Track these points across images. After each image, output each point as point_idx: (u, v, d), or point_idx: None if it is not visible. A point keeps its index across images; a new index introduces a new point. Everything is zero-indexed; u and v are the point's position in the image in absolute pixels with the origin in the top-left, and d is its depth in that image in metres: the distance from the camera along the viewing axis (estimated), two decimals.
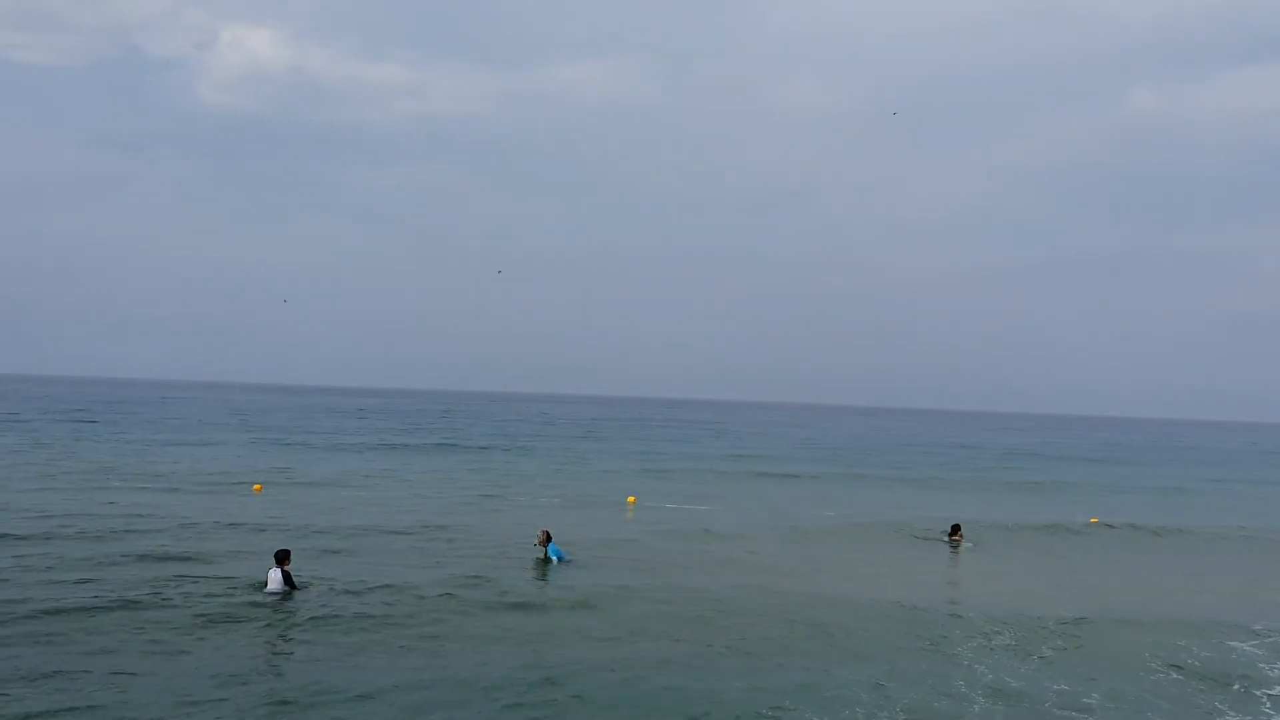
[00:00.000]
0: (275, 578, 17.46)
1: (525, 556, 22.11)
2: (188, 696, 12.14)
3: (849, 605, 18.74)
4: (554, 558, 21.61)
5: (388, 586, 18.30)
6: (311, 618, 16.03)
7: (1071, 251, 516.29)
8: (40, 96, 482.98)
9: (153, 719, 11.50)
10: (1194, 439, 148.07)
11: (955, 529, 28.02)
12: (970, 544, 27.52)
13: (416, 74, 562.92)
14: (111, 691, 12.27)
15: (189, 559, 20.41)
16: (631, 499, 35.39)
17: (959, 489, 48.38)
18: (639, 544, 25.08)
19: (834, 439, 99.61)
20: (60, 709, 11.59)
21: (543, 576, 20.52)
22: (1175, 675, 15.09)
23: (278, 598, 17.14)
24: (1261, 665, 15.82)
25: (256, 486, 34.67)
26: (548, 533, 22.21)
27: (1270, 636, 17.55)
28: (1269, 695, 14.24)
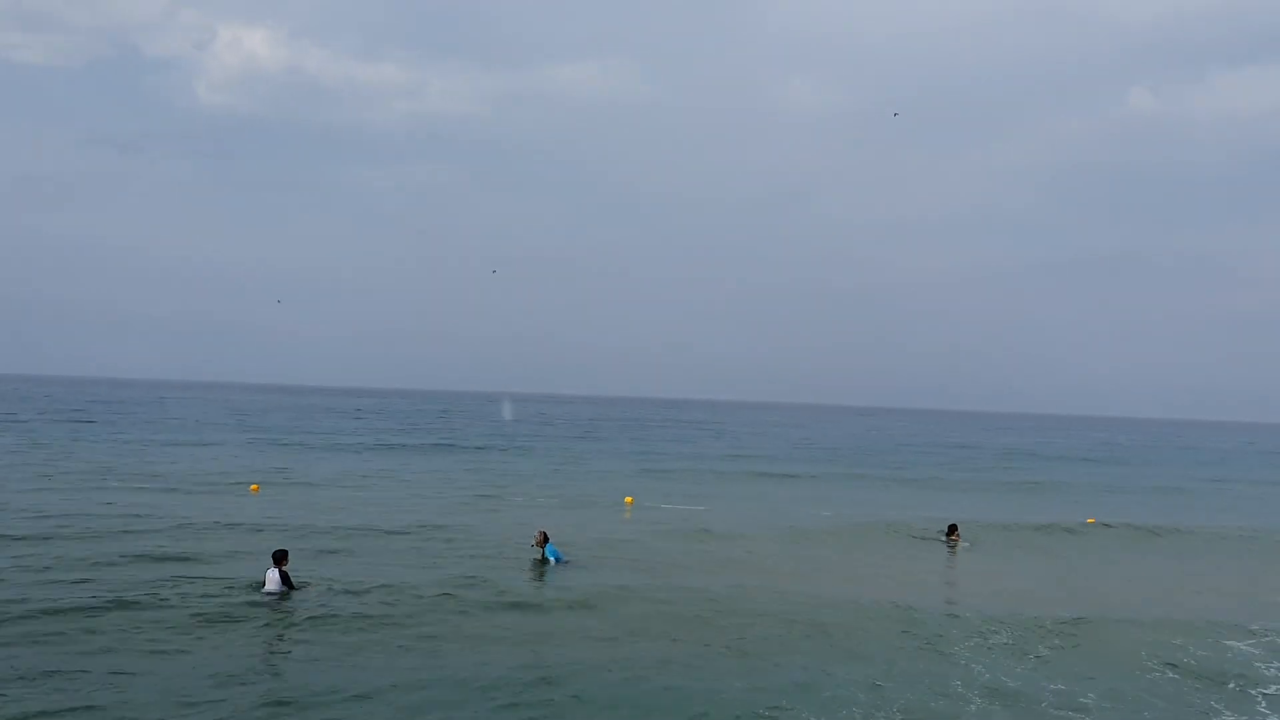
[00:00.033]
0: (273, 578, 17.47)
1: (523, 557, 22.12)
2: (186, 696, 12.16)
3: (847, 605, 18.77)
4: (551, 558, 21.62)
5: (386, 586, 18.31)
6: (309, 618, 16.04)
7: (1071, 251, 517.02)
8: (38, 96, 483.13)
9: (151, 719, 11.52)
10: (1192, 439, 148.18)
11: (952, 529, 28.06)
12: (968, 544, 27.57)
13: (414, 74, 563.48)
14: (110, 691, 12.28)
15: (187, 559, 20.41)
16: (629, 499, 35.41)
17: (957, 489, 48.42)
18: (637, 544, 25.10)
19: (832, 439, 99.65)
20: (58, 709, 11.59)
21: (540, 577, 20.54)
22: (1171, 674, 15.13)
23: (276, 598, 17.15)
24: (1258, 664, 15.86)
25: (254, 487, 34.68)
26: (545, 533, 22.22)
27: (1267, 636, 17.59)
28: (1264, 694, 14.28)
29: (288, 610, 16.50)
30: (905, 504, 38.65)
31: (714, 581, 20.59)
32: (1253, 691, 14.41)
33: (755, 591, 19.78)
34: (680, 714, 12.39)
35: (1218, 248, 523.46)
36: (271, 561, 17.81)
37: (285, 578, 17.54)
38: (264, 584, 17.52)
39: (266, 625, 15.65)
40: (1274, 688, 14.61)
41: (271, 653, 14.38)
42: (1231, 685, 14.65)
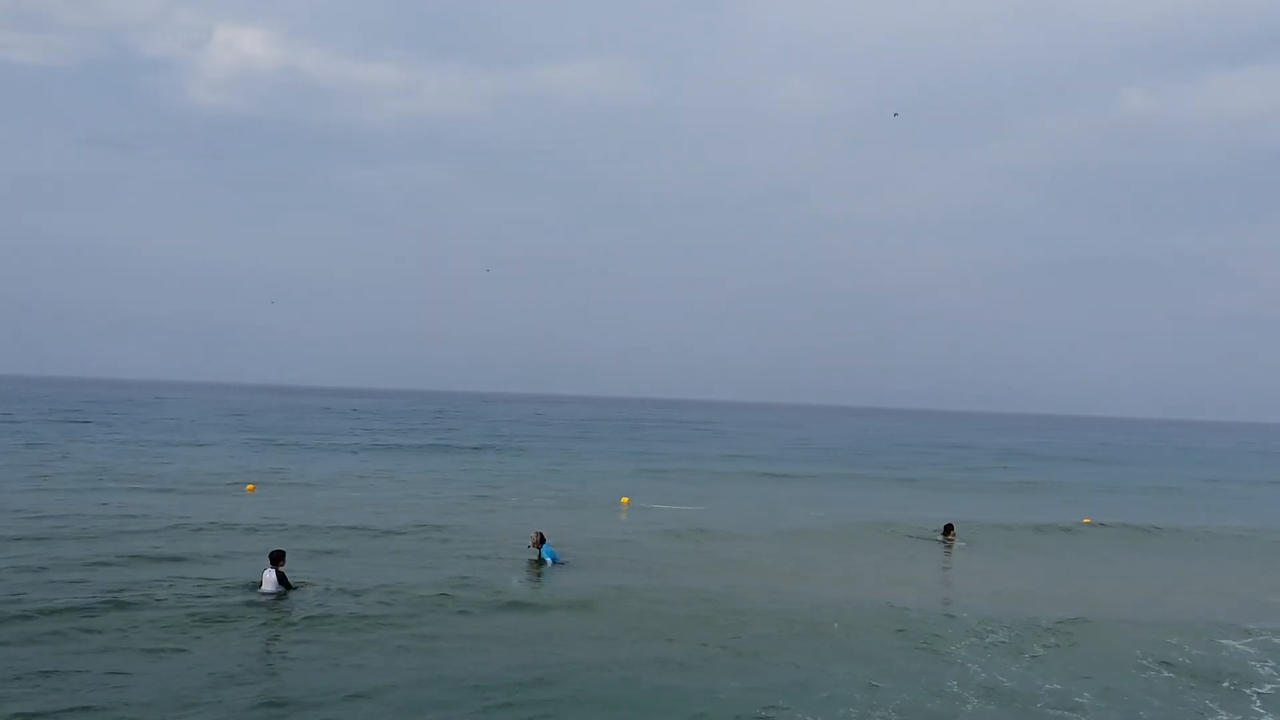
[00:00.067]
0: (270, 578, 17.47)
1: (520, 558, 22.13)
2: (183, 697, 12.16)
3: (843, 605, 18.79)
4: (548, 559, 21.63)
5: (383, 587, 18.32)
6: (306, 618, 16.05)
7: (1071, 251, 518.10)
8: (35, 96, 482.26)
9: (149, 719, 11.53)
10: (1188, 439, 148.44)
11: (948, 528, 28.11)
12: (964, 543, 27.62)
13: (410, 74, 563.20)
14: (107, 692, 12.28)
15: (183, 559, 20.40)
16: (626, 499, 35.42)
17: (953, 489, 48.49)
18: (634, 544, 25.12)
19: (829, 439, 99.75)
20: (56, 709, 11.59)
21: (537, 577, 20.55)
22: (1167, 673, 15.16)
23: (273, 598, 17.16)
24: (1252, 663, 15.90)
25: (250, 487, 34.65)
26: (542, 534, 22.23)
27: (1262, 635, 17.63)
28: (1259, 693, 14.32)
29: (284, 611, 16.50)
30: (902, 504, 38.70)
31: (710, 581, 20.61)
32: (1247, 690, 14.45)
33: (752, 591, 19.81)
34: (677, 714, 12.41)
35: (1217, 248, 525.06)
36: (268, 562, 17.81)
37: (282, 578, 17.55)
38: (261, 584, 17.53)
39: (263, 625, 15.66)
40: (1269, 687, 14.65)
41: (268, 653, 14.39)
42: (1226, 684, 14.69)
